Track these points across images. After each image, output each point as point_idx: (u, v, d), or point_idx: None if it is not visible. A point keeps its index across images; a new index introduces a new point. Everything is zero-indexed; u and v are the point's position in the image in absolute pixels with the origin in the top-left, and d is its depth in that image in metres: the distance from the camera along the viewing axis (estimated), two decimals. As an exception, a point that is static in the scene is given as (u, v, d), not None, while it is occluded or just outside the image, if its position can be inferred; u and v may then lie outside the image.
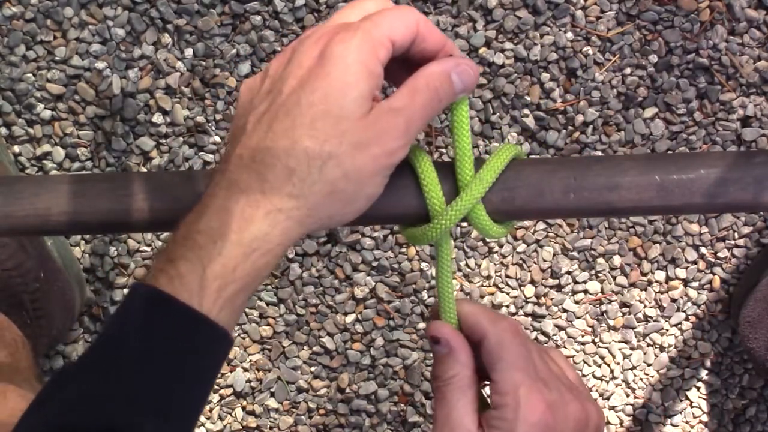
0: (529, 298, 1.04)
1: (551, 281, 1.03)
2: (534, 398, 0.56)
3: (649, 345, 1.06)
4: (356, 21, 0.53)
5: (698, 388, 1.07)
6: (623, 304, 1.05)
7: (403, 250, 1.02)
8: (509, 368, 0.57)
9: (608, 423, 1.06)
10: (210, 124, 0.99)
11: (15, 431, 0.50)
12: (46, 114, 0.98)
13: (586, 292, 1.04)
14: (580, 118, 1.00)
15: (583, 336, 1.05)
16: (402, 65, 0.55)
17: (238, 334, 1.03)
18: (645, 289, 1.04)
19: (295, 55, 0.53)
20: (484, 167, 0.57)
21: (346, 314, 1.03)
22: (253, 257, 0.51)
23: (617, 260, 1.03)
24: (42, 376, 0.98)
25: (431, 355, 1.04)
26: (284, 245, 0.52)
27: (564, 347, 1.05)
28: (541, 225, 1.03)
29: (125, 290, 1.01)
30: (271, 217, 0.51)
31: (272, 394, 1.05)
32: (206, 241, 0.51)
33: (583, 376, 1.05)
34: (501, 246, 1.03)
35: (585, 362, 1.05)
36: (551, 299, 1.04)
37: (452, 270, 0.60)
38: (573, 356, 1.05)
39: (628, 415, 1.07)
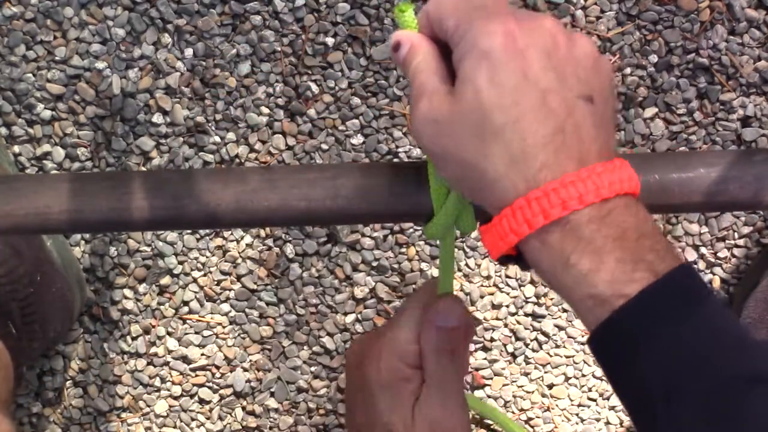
0: (529, 298, 1.04)
1: (551, 281, 1.03)
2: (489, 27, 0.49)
3: (649, 345, 1.05)
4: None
5: (698, 389, 1.07)
6: (623, 304, 1.04)
7: (403, 250, 1.02)
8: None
9: (608, 423, 1.06)
10: (210, 124, 0.99)
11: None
12: (46, 114, 0.98)
13: (586, 292, 1.04)
14: (580, 118, 1.00)
15: (583, 336, 1.05)
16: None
17: (238, 334, 1.03)
18: (645, 289, 1.04)
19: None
20: None
21: (346, 314, 1.03)
22: None
23: (617, 260, 1.03)
24: (12, 399, 0.91)
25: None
26: None
27: (564, 347, 1.05)
28: (541, 225, 1.03)
29: (126, 290, 1.01)
30: None
31: (272, 394, 1.05)
32: None
33: (583, 376, 1.05)
34: (501, 246, 1.03)
35: (585, 362, 1.05)
36: (551, 299, 1.04)
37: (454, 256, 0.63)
38: (573, 356, 1.05)
39: (629, 415, 1.07)
